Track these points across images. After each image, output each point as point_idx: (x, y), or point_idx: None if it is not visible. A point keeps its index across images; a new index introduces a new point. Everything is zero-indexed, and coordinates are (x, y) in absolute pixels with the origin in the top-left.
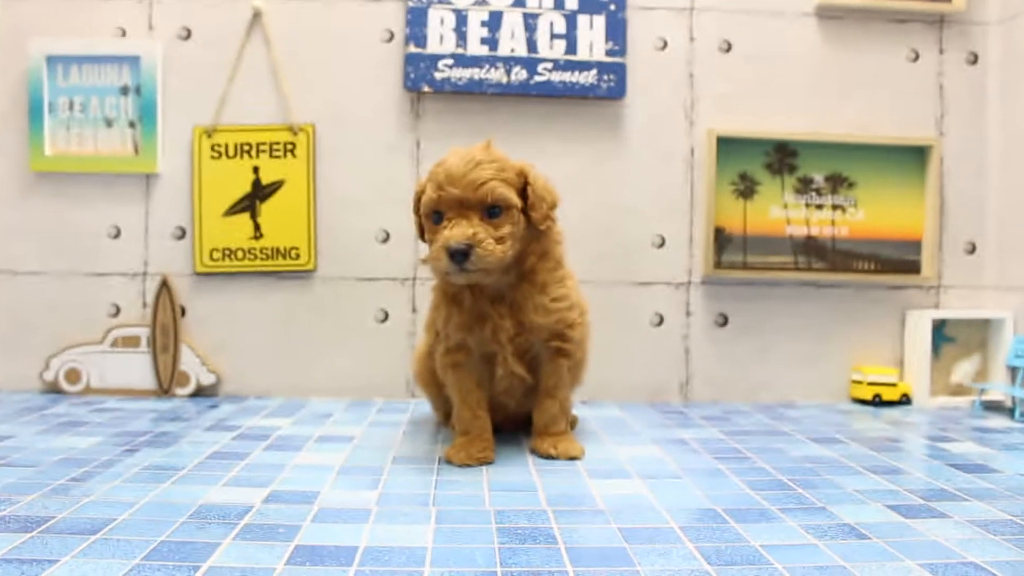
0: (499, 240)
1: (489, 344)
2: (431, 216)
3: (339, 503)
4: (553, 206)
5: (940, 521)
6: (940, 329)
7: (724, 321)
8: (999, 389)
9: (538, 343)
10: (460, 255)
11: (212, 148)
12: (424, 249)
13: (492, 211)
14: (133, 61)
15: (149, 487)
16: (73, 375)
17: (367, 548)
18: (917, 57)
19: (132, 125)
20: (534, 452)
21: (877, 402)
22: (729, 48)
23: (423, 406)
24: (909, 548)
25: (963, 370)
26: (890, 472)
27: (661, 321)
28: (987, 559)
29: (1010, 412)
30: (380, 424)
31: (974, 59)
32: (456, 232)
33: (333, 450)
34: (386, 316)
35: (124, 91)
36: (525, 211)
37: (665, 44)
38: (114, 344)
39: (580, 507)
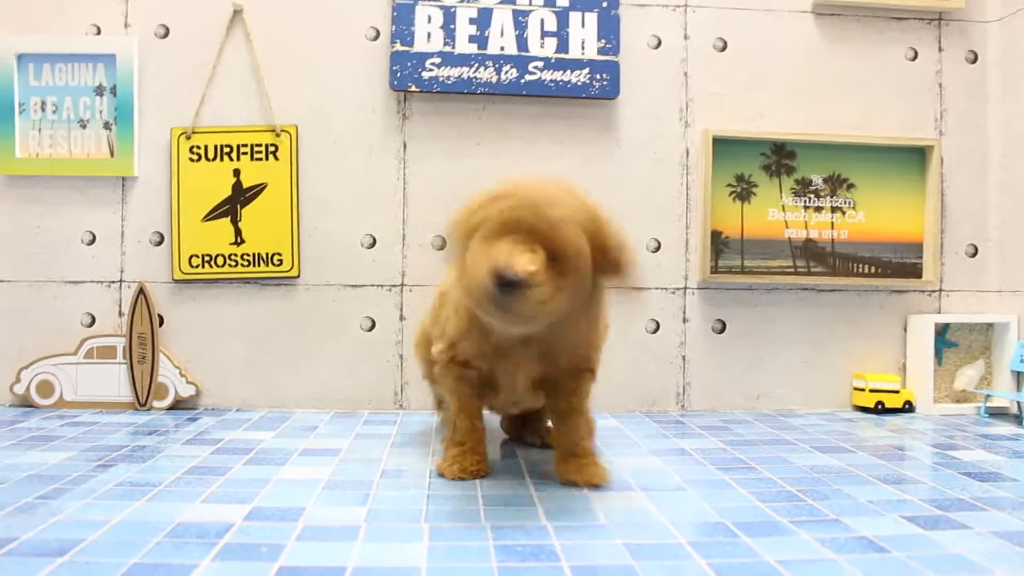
0: (558, 289)
1: (506, 378)
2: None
3: (325, 520)
4: (621, 250)
5: (961, 533)
6: (943, 334)
7: (722, 327)
8: (1004, 395)
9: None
10: (510, 286)
11: (191, 150)
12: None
13: (559, 257)
14: (108, 60)
15: (123, 505)
16: (45, 388)
17: (356, 568)
18: (916, 56)
19: (107, 126)
20: (558, 475)
21: (880, 410)
22: (724, 47)
23: (412, 417)
24: (934, 562)
25: (967, 376)
26: (901, 482)
27: (657, 328)
28: (1019, 574)
29: (1016, 419)
30: (367, 436)
31: (974, 57)
32: (512, 257)
33: (318, 464)
34: (373, 324)
35: (99, 91)
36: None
37: (659, 42)
38: (89, 355)
39: (582, 522)
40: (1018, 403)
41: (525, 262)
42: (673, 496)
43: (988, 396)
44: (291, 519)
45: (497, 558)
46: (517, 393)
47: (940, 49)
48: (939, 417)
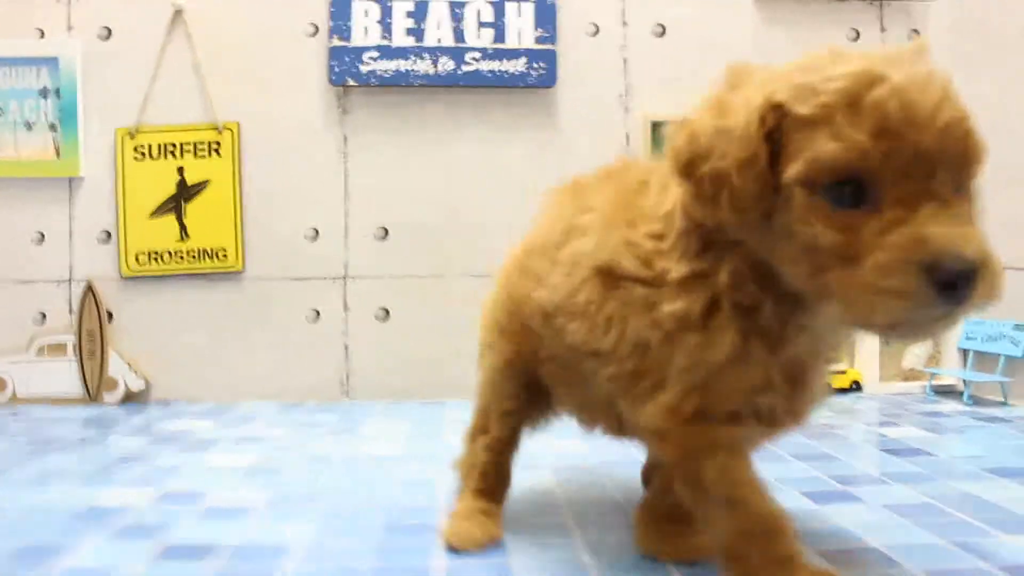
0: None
1: (784, 408)
2: (824, 188)
3: (227, 502)
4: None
5: (851, 506)
6: None
7: None
8: (949, 373)
9: None
10: (970, 284)
11: (135, 149)
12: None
13: (962, 184)
14: (52, 63)
15: (38, 492)
16: None
17: (238, 545)
18: (858, 36)
19: (53, 128)
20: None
21: None
22: (664, 32)
23: (358, 406)
24: (808, 536)
25: (914, 355)
26: (818, 459)
27: None
28: (889, 542)
29: (961, 396)
30: (306, 425)
31: (916, 37)
32: (954, 232)
33: (245, 451)
34: (318, 315)
35: (43, 93)
36: None
37: (597, 30)
38: (40, 352)
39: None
40: (963, 380)
41: (968, 231)
42: (579, 474)
43: (933, 374)
44: (194, 502)
45: (384, 536)
46: (802, 420)
47: (882, 29)
48: (885, 396)
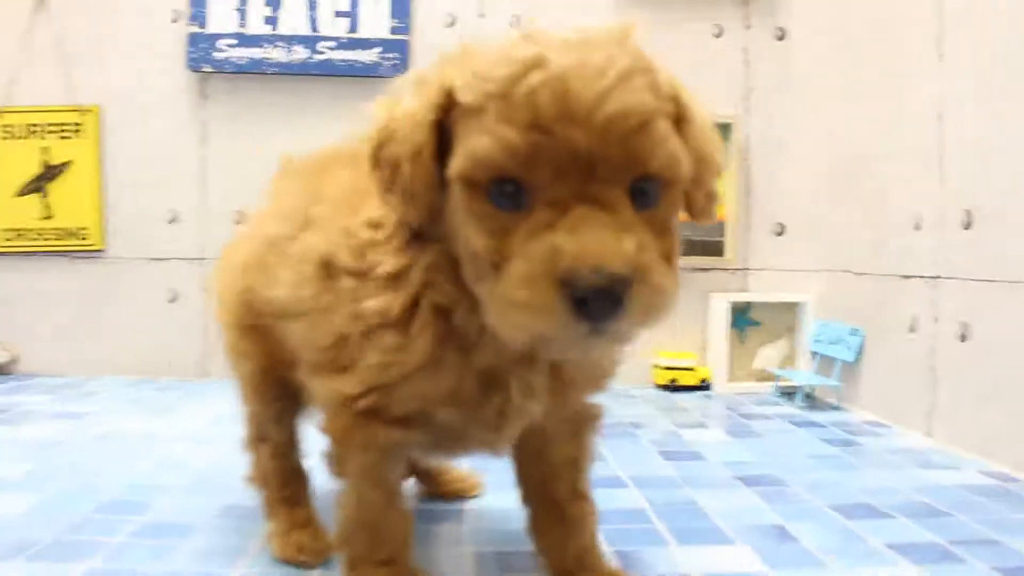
0: (667, 257)
1: (481, 427)
2: (484, 186)
3: None
4: (719, 174)
5: None
6: (745, 313)
7: None
8: (789, 375)
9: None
10: (610, 301)
11: (3, 129)
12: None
13: (646, 190)
14: None
15: None
16: None
17: None
18: (721, 33)
19: None
20: None
21: (673, 387)
22: (520, 23)
23: (211, 385)
24: (493, 534)
25: (766, 355)
26: None
27: None
28: None
29: (808, 398)
30: (138, 402)
31: (781, 35)
32: (596, 241)
33: (47, 425)
34: (175, 296)
35: None
36: None
37: (453, 21)
38: None
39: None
40: (810, 384)
41: (613, 239)
42: None
43: (779, 376)
44: None
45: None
46: (498, 444)
47: (748, 26)
48: (729, 396)
